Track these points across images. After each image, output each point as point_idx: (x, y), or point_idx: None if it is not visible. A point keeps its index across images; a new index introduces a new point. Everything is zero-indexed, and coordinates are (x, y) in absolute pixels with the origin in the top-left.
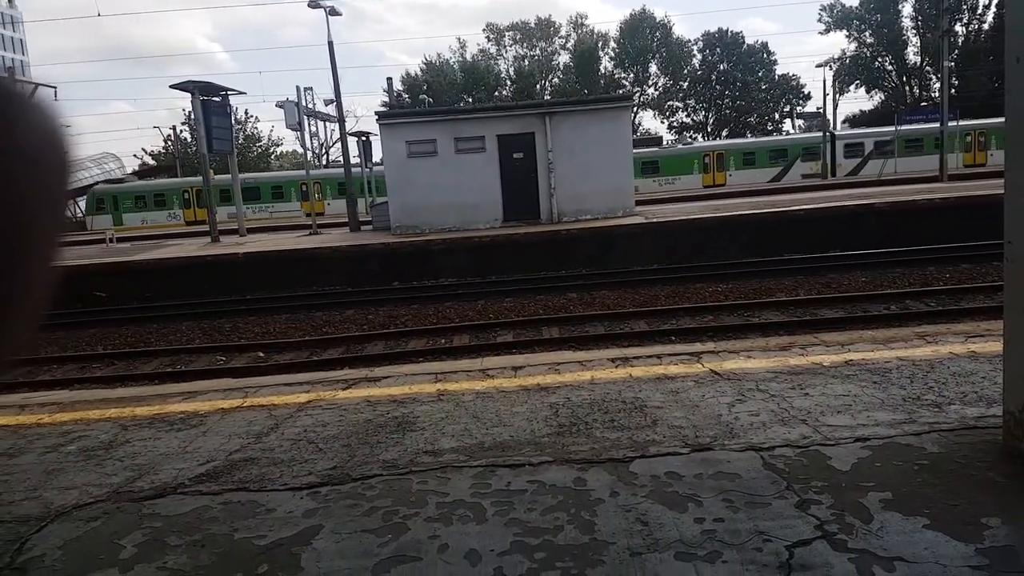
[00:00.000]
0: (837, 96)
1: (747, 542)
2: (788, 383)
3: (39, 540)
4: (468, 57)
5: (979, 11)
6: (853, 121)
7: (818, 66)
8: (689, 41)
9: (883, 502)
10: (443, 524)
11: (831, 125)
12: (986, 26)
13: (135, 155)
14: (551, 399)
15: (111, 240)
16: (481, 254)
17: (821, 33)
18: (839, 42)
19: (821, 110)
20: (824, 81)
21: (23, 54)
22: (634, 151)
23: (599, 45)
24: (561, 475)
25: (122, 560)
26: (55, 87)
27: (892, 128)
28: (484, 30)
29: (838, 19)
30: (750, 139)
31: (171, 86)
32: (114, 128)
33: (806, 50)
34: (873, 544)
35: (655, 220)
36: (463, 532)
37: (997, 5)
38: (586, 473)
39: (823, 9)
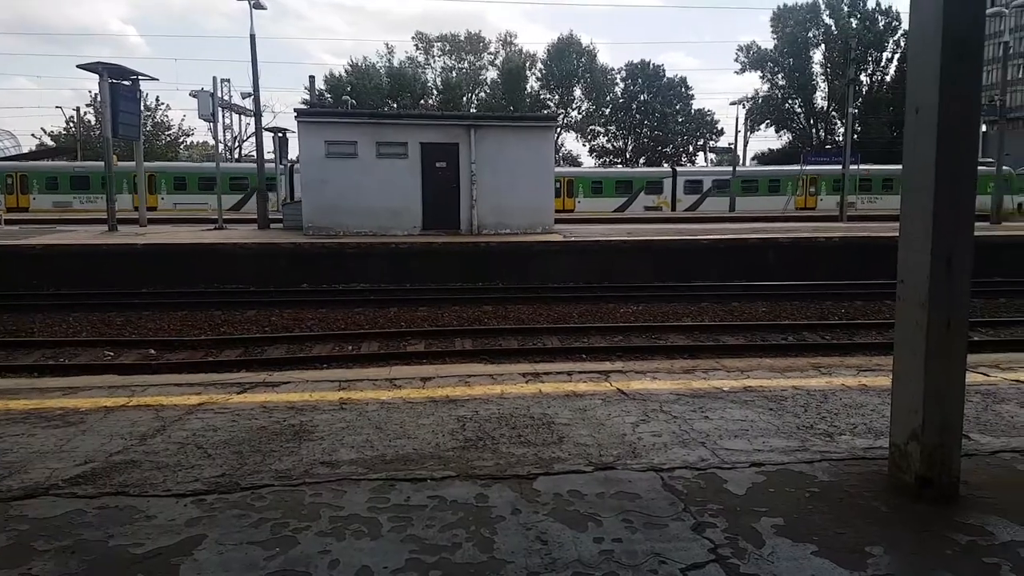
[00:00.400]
0: (748, 133)
1: (643, 564)
2: (690, 405)
3: None
4: (395, 63)
5: (882, 63)
6: (761, 158)
7: (732, 103)
8: (613, 69)
9: (775, 527)
10: (335, 539)
11: (741, 161)
12: (888, 78)
13: (33, 135)
14: (459, 412)
15: None
16: (397, 261)
17: (737, 72)
18: (753, 82)
19: (732, 146)
20: (737, 118)
21: None
22: None
23: (527, 65)
24: (464, 491)
25: None
26: None
27: (730, 168)
28: (413, 38)
29: (753, 60)
30: (599, 169)
31: (79, 66)
32: (14, 105)
33: (722, 87)
34: (764, 569)
35: (573, 239)
36: (356, 548)
37: (899, 59)
38: (489, 489)
39: (740, 49)
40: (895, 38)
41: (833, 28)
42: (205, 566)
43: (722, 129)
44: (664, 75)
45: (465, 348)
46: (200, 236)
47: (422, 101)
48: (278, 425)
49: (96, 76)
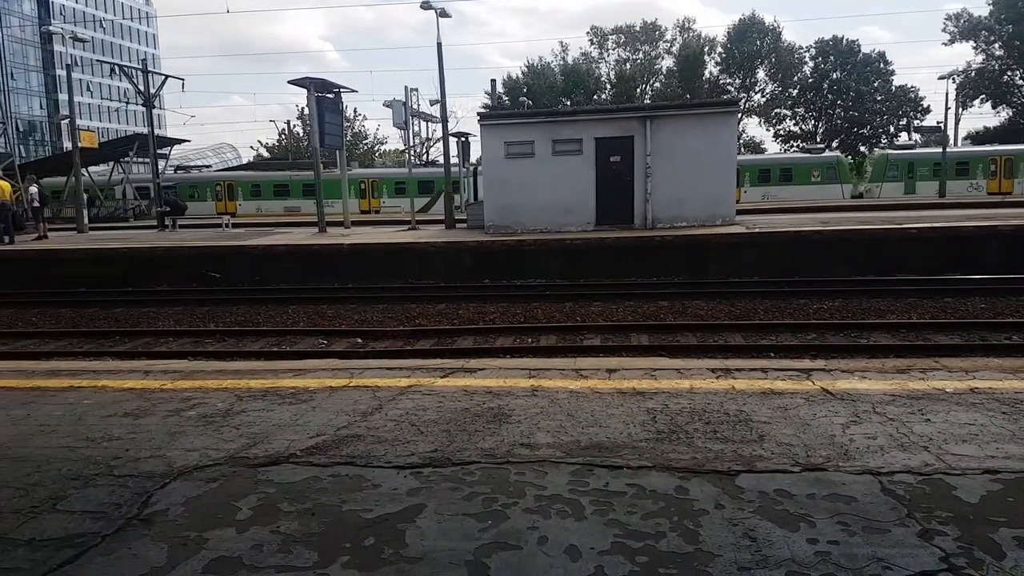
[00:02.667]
0: (960, 110)
1: (865, 568)
2: (907, 407)
3: (163, 496)
4: (569, 60)
5: None
6: (976, 138)
7: (940, 78)
8: (800, 48)
9: (1017, 539)
10: (542, 516)
11: (951, 141)
12: None
13: (251, 146)
14: (648, 404)
15: (227, 225)
16: (571, 257)
17: (945, 44)
18: (965, 53)
19: (941, 124)
20: (946, 94)
21: (155, 48)
22: None
23: (705, 49)
24: (662, 481)
25: (239, 521)
26: (183, 79)
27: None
28: (588, 33)
29: (965, 29)
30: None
31: (289, 81)
32: (231, 120)
33: (926, 61)
34: None
35: (758, 231)
36: (562, 527)
37: None
38: (688, 482)
39: (949, 19)
40: None
41: None
42: (427, 533)
43: (928, 107)
44: (859, 51)
45: (642, 343)
46: (395, 236)
47: (596, 96)
48: (479, 407)
49: (303, 90)
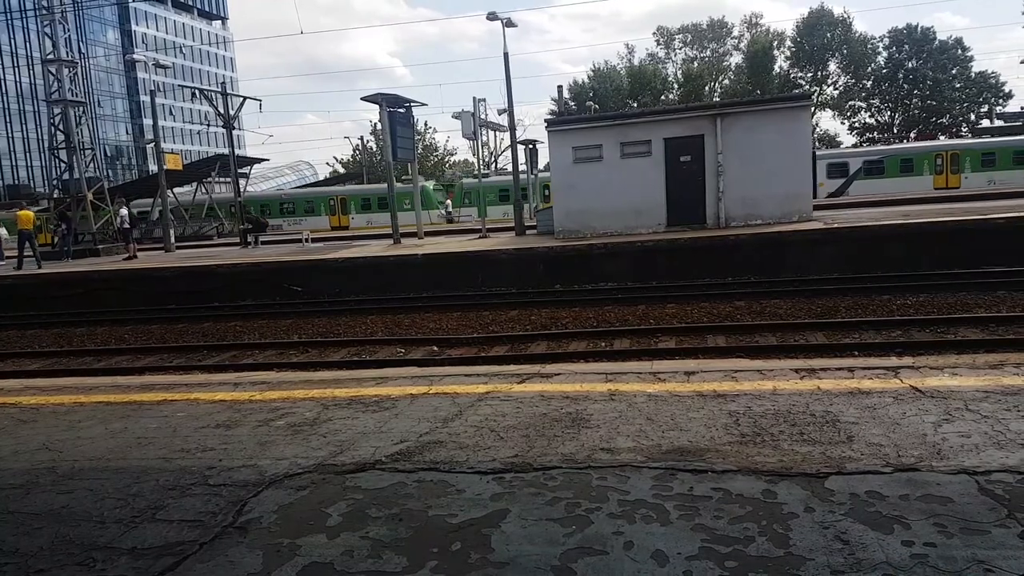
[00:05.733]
0: None
1: (964, 570)
2: (1002, 404)
3: (256, 504)
4: (635, 62)
5: None
6: None
7: (1022, 62)
8: (873, 38)
9: None
10: (626, 521)
11: None
12: None
13: (327, 163)
14: (730, 407)
15: (307, 240)
16: (643, 259)
17: None
18: None
19: None
20: None
21: (233, 71)
22: None
23: (774, 44)
24: (748, 485)
25: (329, 527)
26: (260, 100)
27: None
28: (654, 34)
29: None
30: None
31: (362, 98)
32: (306, 138)
33: (1006, 45)
34: None
35: (836, 226)
36: (647, 532)
37: None
38: (776, 486)
39: None
40: None
41: None
42: (512, 538)
43: (1010, 92)
44: (935, 38)
45: (719, 345)
46: (467, 245)
47: (663, 97)
48: (557, 412)
49: (374, 106)
